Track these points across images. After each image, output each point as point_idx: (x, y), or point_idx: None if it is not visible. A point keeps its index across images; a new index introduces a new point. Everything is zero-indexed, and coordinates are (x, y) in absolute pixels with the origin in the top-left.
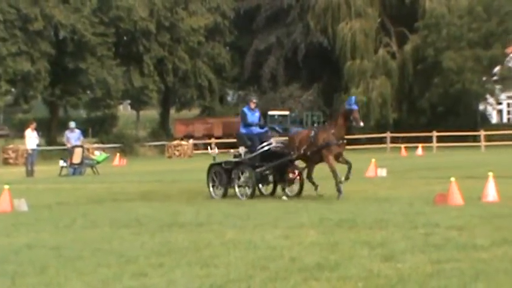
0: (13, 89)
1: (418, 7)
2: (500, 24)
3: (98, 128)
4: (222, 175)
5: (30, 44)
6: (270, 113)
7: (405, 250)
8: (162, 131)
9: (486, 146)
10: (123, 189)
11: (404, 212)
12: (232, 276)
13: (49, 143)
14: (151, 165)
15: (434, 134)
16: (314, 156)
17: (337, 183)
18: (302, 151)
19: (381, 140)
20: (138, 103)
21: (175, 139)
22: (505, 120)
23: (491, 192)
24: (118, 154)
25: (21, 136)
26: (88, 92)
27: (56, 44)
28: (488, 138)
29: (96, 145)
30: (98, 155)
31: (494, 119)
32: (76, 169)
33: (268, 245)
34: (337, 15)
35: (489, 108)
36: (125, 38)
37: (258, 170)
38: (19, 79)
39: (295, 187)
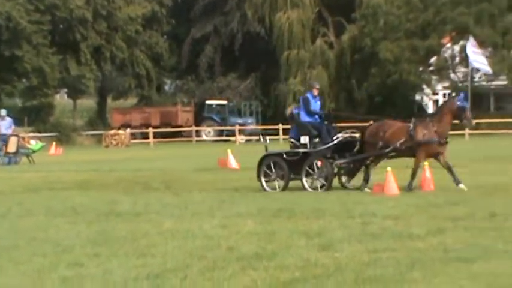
0: None
1: None
2: (437, 14)
3: (34, 117)
4: (282, 166)
5: None
6: (208, 102)
7: (342, 239)
8: (99, 120)
9: None
10: (59, 178)
11: (342, 201)
12: (170, 266)
13: None
14: (88, 155)
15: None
16: (404, 151)
17: (410, 183)
18: (398, 145)
19: None
20: (74, 92)
21: (112, 128)
22: None
23: (427, 182)
24: (54, 143)
25: None
26: (24, 80)
27: None
28: None
29: (32, 134)
30: (34, 144)
31: (430, 109)
32: (11, 158)
33: (205, 234)
34: (275, 5)
35: (425, 98)
36: (61, 26)
37: (338, 162)
38: None
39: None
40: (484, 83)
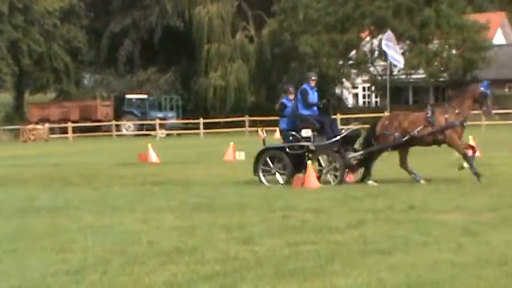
0: None
1: None
2: (356, 8)
3: None
4: (285, 161)
5: None
6: (128, 96)
7: (263, 233)
8: (16, 115)
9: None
10: None
11: (263, 195)
12: (90, 261)
13: None
14: (6, 150)
15: None
16: (425, 139)
17: (472, 167)
18: (416, 133)
19: (240, 124)
20: None
21: (30, 123)
22: (360, 103)
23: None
24: None
25: None
26: None
27: None
28: (345, 122)
29: None
30: None
31: (350, 103)
32: None
33: (126, 229)
34: None
35: (345, 92)
36: None
37: (352, 155)
38: None
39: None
40: (402, 77)
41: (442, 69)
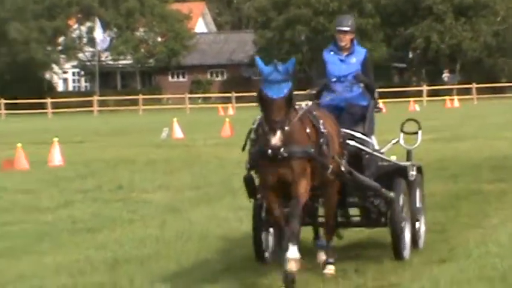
0: None
1: None
2: None
3: None
4: None
5: None
6: None
7: None
8: None
9: (53, 113)
10: None
11: None
12: None
13: None
14: None
15: (3, 101)
16: None
17: None
18: None
19: None
20: None
21: None
22: (70, 88)
23: (56, 157)
24: None
25: None
26: None
27: None
28: (55, 106)
29: None
30: None
31: (60, 87)
32: None
33: None
34: None
35: (55, 77)
36: None
37: None
38: None
39: None
40: (110, 62)
41: (147, 55)
